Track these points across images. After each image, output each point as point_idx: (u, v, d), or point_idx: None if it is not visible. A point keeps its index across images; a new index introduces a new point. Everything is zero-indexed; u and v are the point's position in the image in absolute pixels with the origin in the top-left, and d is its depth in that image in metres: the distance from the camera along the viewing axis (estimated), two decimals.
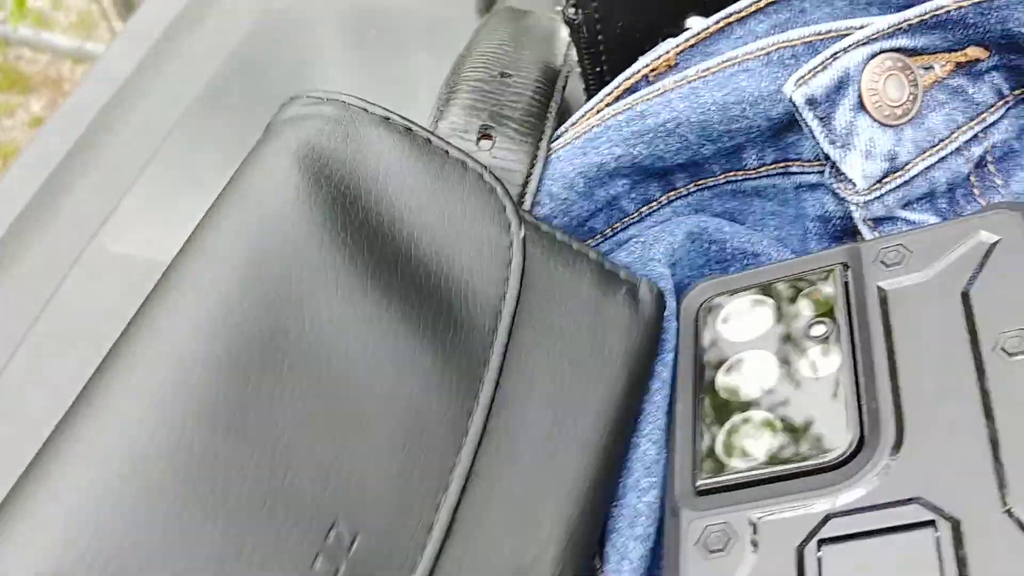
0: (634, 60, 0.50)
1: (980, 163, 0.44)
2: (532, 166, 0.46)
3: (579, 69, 0.55)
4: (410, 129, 0.42)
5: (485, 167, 0.42)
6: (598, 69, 0.54)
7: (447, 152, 0.42)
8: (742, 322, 0.42)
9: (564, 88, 0.51)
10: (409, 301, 0.38)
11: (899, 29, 0.42)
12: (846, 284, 0.41)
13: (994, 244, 0.38)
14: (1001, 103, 0.44)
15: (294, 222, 0.37)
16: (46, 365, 0.59)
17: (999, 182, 0.44)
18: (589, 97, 0.56)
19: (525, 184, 0.46)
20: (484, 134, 0.46)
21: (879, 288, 0.39)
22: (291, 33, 0.75)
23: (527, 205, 0.45)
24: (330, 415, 0.35)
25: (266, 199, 0.38)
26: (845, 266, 0.41)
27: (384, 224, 0.39)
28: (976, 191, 0.44)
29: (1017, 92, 0.44)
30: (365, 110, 0.41)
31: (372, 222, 0.39)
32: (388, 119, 0.41)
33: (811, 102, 0.42)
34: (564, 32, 0.56)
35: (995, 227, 0.39)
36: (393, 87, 0.70)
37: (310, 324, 0.36)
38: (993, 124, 0.44)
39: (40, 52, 1.99)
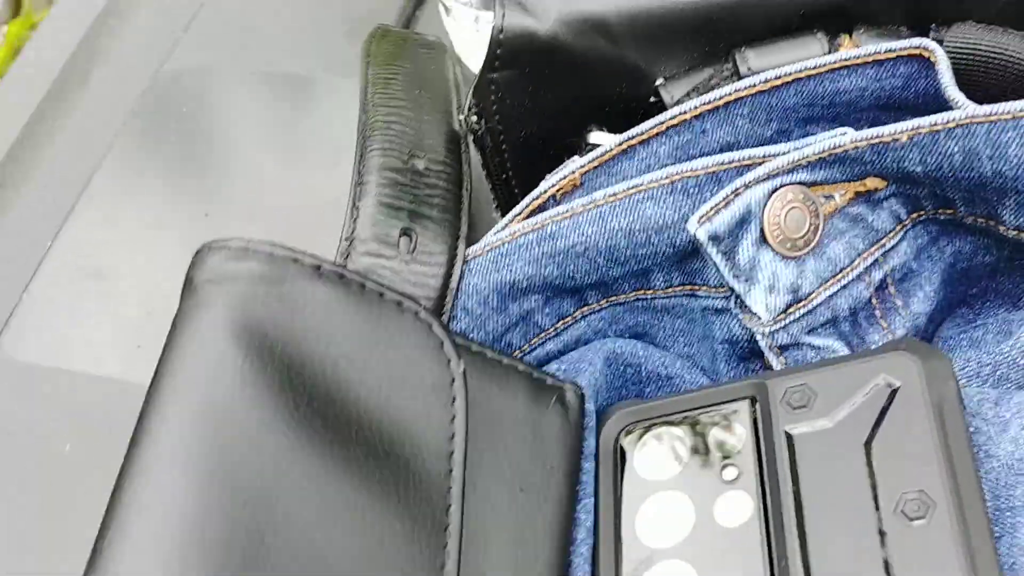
0: (539, 166, 0.50)
1: (881, 286, 0.45)
2: (451, 269, 0.46)
3: (484, 172, 0.54)
4: (343, 276, 0.39)
5: (419, 304, 0.41)
6: (504, 176, 0.53)
7: (382, 295, 0.40)
8: (658, 460, 0.42)
9: (470, 165, 0.51)
10: (368, 467, 0.37)
11: (799, 165, 0.43)
12: (755, 422, 0.41)
13: (895, 391, 0.39)
14: (899, 227, 0.44)
15: (246, 412, 0.35)
16: None
17: (899, 303, 0.45)
18: (496, 197, 0.56)
19: (444, 289, 0.45)
20: (404, 234, 0.45)
21: (786, 433, 0.40)
22: (192, 92, 0.73)
23: (446, 312, 0.45)
24: None
25: (210, 391, 0.35)
26: (753, 400, 0.42)
27: (332, 391, 0.37)
28: (878, 313, 0.45)
29: (914, 216, 0.44)
30: (295, 260, 0.39)
31: (321, 391, 0.37)
32: (319, 268, 0.39)
33: (714, 238, 0.42)
34: (452, 66, 0.55)
35: (895, 371, 0.39)
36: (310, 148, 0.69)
37: (283, 521, 0.34)
38: (892, 248, 0.44)
39: None
